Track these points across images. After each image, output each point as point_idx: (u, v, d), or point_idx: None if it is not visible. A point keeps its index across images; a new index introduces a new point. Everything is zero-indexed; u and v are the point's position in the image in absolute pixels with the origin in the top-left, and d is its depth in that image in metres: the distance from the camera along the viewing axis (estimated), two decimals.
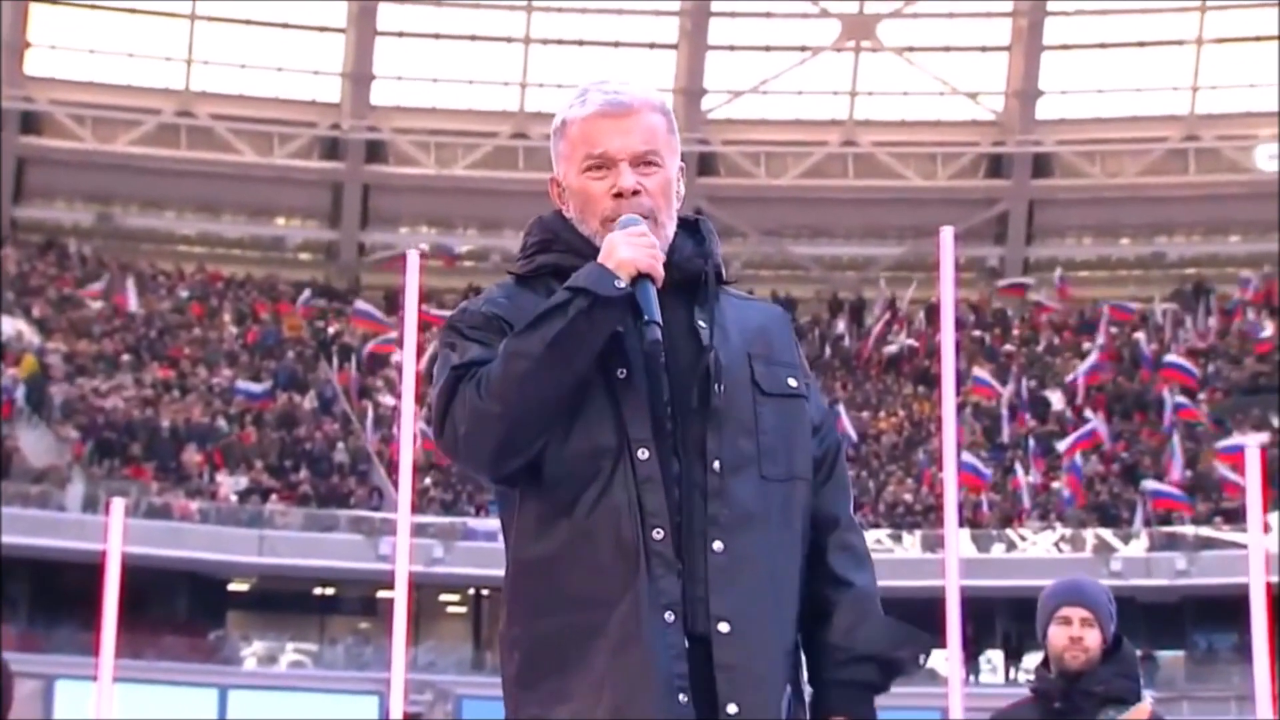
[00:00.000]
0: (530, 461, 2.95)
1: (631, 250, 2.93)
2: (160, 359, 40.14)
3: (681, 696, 2.87)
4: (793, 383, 3.11)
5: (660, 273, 2.95)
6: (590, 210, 3.07)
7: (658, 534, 2.92)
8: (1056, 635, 5.44)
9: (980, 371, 40.07)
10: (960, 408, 34.75)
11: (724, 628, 2.91)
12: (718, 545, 2.94)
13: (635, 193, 3.05)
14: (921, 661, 3.00)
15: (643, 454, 2.94)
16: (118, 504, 14.41)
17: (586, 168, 3.07)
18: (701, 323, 3.04)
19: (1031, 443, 37.66)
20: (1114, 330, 42.56)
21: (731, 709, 2.89)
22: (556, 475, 2.95)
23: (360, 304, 42.12)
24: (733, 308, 3.13)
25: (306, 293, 42.82)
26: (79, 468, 35.38)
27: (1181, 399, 38.43)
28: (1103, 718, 5.28)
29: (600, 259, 2.94)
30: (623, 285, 2.90)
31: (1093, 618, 5.37)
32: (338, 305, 44.58)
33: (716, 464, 2.97)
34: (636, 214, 3.03)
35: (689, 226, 3.15)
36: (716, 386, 2.99)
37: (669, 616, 2.89)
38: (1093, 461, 37.84)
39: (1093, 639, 5.37)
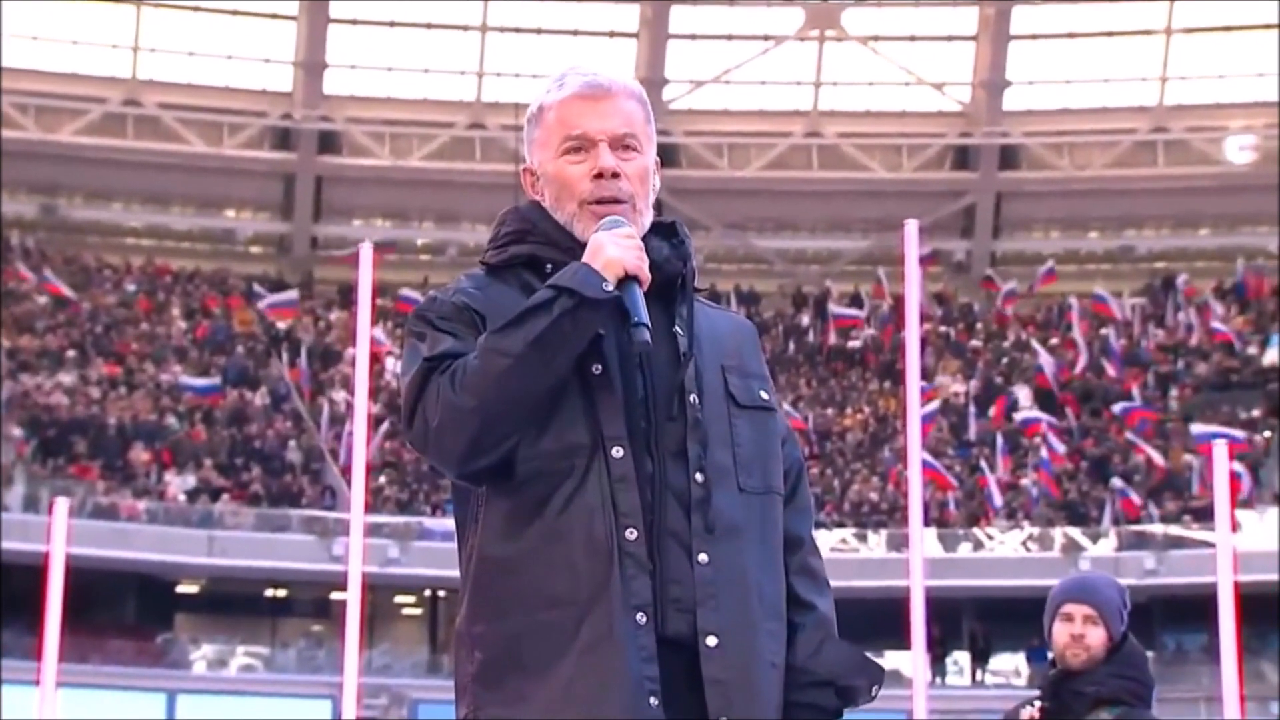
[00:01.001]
0: (500, 458, 2.93)
1: (619, 250, 2.93)
2: (106, 355, 39.75)
3: (652, 699, 2.87)
4: (764, 395, 3.14)
5: (647, 275, 2.95)
6: (567, 193, 3.08)
7: (631, 534, 2.91)
8: (1059, 632, 5.42)
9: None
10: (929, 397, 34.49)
11: (712, 641, 2.92)
12: (703, 557, 2.94)
13: (615, 175, 3.06)
14: (874, 691, 3.06)
15: (617, 452, 2.94)
16: (61, 504, 14.10)
17: (564, 150, 3.08)
18: (679, 329, 3.05)
19: (1000, 440, 37.32)
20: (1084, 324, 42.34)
21: None
22: (527, 472, 2.94)
23: (272, 296, 41.73)
24: (704, 316, 3.13)
25: (278, 297, 42.15)
26: (21, 466, 34.97)
27: (1131, 403, 38.12)
28: (1090, 718, 5.21)
29: (586, 258, 2.94)
30: (610, 288, 2.90)
31: (1097, 615, 5.31)
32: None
33: (699, 475, 2.98)
34: (615, 195, 3.05)
35: (665, 229, 3.14)
36: (693, 398, 3.00)
37: (640, 618, 2.89)
38: (1060, 455, 37.62)
39: (1095, 637, 5.30)
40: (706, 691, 2.90)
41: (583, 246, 3.01)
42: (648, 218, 3.10)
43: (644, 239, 3.06)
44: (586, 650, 2.87)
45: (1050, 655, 5.47)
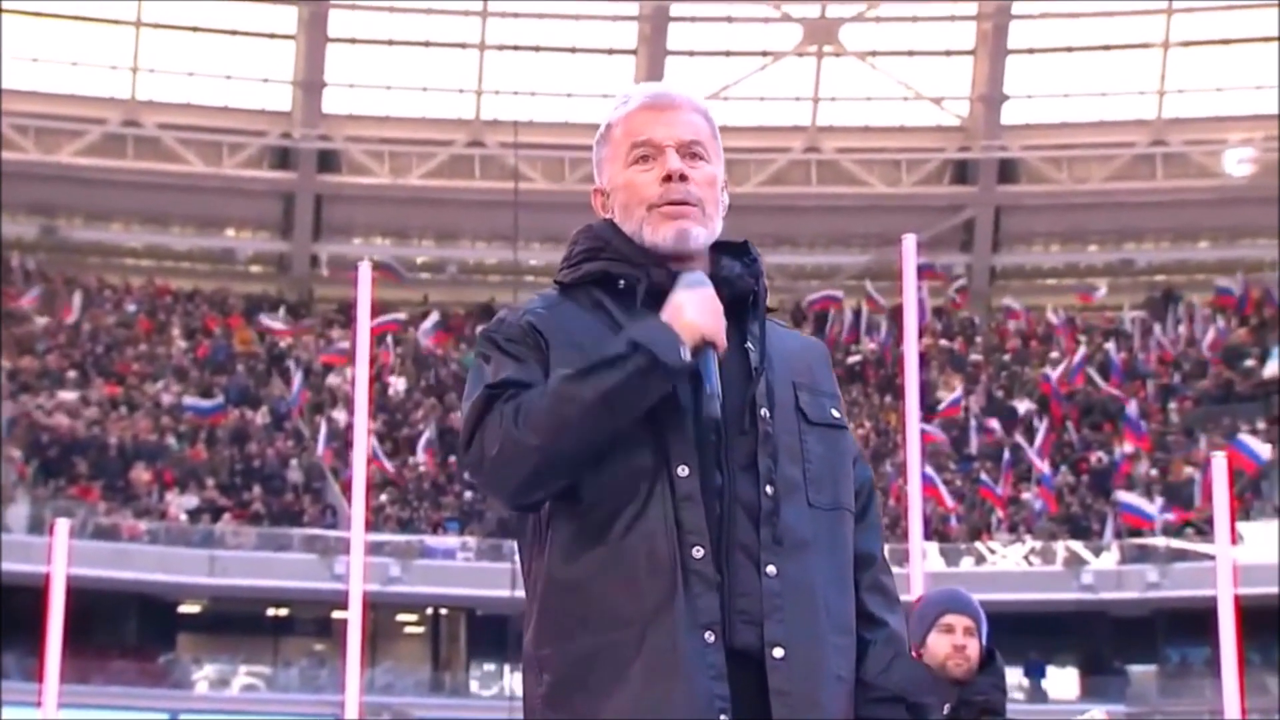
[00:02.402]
0: (550, 494, 2.94)
1: (698, 314, 2.92)
2: (107, 375, 39.68)
3: (723, 718, 2.86)
4: (835, 413, 3.14)
5: (724, 342, 2.94)
6: (636, 199, 3.07)
7: (697, 552, 2.91)
8: (939, 643, 5.51)
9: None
10: (928, 418, 34.34)
11: (778, 653, 2.92)
12: (771, 569, 2.94)
13: (683, 177, 3.05)
14: (945, 709, 3.22)
15: (682, 471, 2.93)
16: (62, 524, 14.05)
17: (632, 160, 3.09)
18: (750, 345, 3.04)
19: (1007, 454, 37.24)
20: (1082, 338, 42.30)
21: None
22: (593, 496, 2.93)
23: (264, 318, 41.71)
24: (775, 334, 3.14)
25: (286, 316, 42.17)
26: (23, 488, 34.94)
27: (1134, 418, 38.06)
28: None
29: (666, 316, 2.93)
30: (688, 356, 2.89)
31: (974, 627, 5.48)
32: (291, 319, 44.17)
33: (769, 488, 2.97)
34: (684, 198, 3.04)
35: (737, 248, 3.14)
36: (764, 412, 3.00)
37: (709, 636, 2.88)
38: (1063, 472, 37.56)
39: (974, 648, 5.46)
40: (772, 702, 2.90)
41: (655, 261, 3.03)
42: (717, 225, 3.10)
43: (716, 256, 3.10)
44: (652, 670, 2.86)
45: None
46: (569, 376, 2.89)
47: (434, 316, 42.51)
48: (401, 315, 41.60)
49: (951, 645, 5.46)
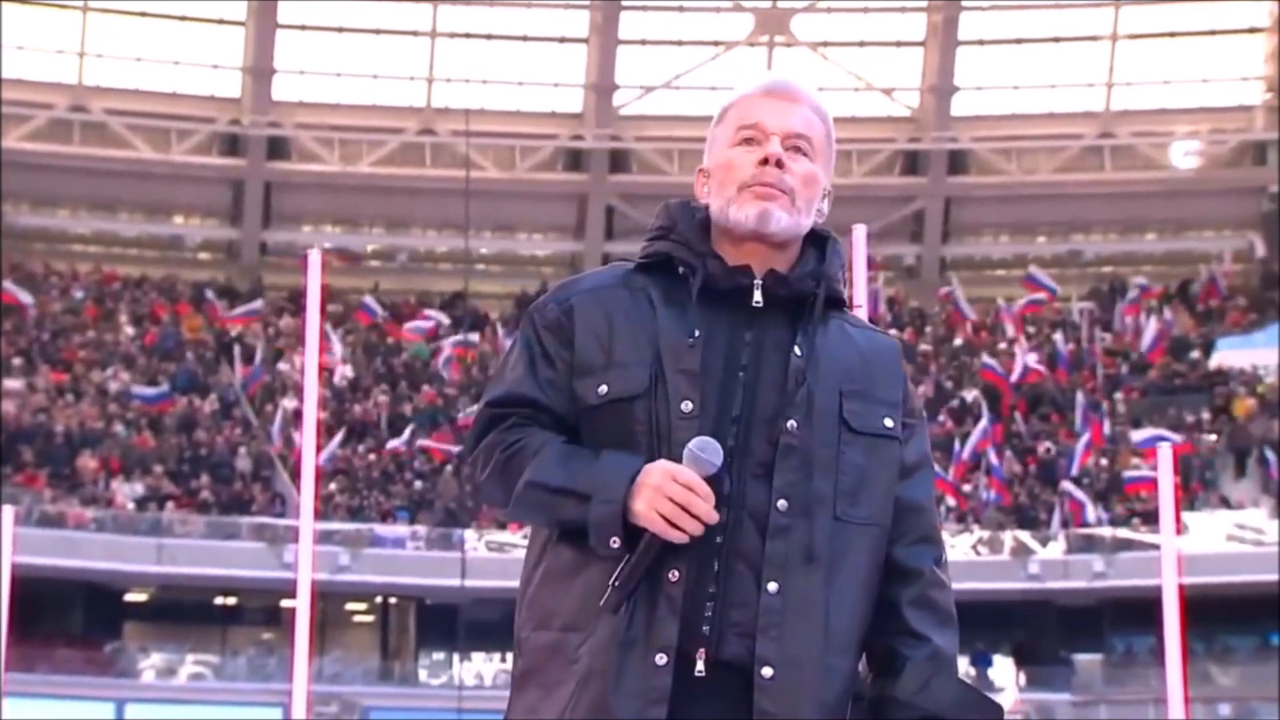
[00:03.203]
0: None
1: (650, 506, 2.84)
2: (53, 362, 39.39)
3: None
4: (889, 423, 3.03)
5: (677, 537, 2.84)
6: (731, 177, 3.03)
7: (672, 575, 2.86)
8: None
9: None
10: None
11: (767, 672, 2.87)
12: (772, 586, 2.90)
13: (780, 164, 3.00)
14: None
15: None
16: (7, 512, 13.95)
17: (738, 140, 3.05)
18: (798, 350, 2.97)
19: (956, 445, 37.39)
20: (1030, 329, 42.47)
21: None
22: None
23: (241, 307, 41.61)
24: (841, 335, 3.05)
25: (256, 304, 41.83)
26: None
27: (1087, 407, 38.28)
28: None
29: (640, 477, 2.86)
30: (616, 546, 2.85)
31: None
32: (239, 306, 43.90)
33: (784, 502, 2.91)
34: (776, 183, 2.99)
35: (818, 242, 3.08)
36: (791, 424, 2.92)
37: (660, 659, 2.84)
38: (1009, 460, 37.72)
39: None
40: None
41: (714, 255, 3.01)
42: (805, 222, 3.03)
43: (806, 249, 3.06)
44: (582, 680, 2.87)
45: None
46: (541, 472, 2.91)
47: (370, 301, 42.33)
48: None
49: None
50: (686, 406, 2.91)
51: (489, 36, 44.76)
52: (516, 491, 2.93)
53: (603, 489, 2.86)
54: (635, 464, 2.87)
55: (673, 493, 2.82)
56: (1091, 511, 35.49)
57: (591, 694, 2.86)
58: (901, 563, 3.01)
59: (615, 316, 2.98)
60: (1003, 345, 41.98)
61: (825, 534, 2.92)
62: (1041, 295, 41.86)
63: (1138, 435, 36.46)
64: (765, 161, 3.00)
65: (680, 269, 3.01)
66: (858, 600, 2.96)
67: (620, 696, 2.84)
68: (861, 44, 45.37)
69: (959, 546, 35.63)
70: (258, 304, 41.75)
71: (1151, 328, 41.23)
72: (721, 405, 2.92)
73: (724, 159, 3.05)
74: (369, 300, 42.33)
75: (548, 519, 2.95)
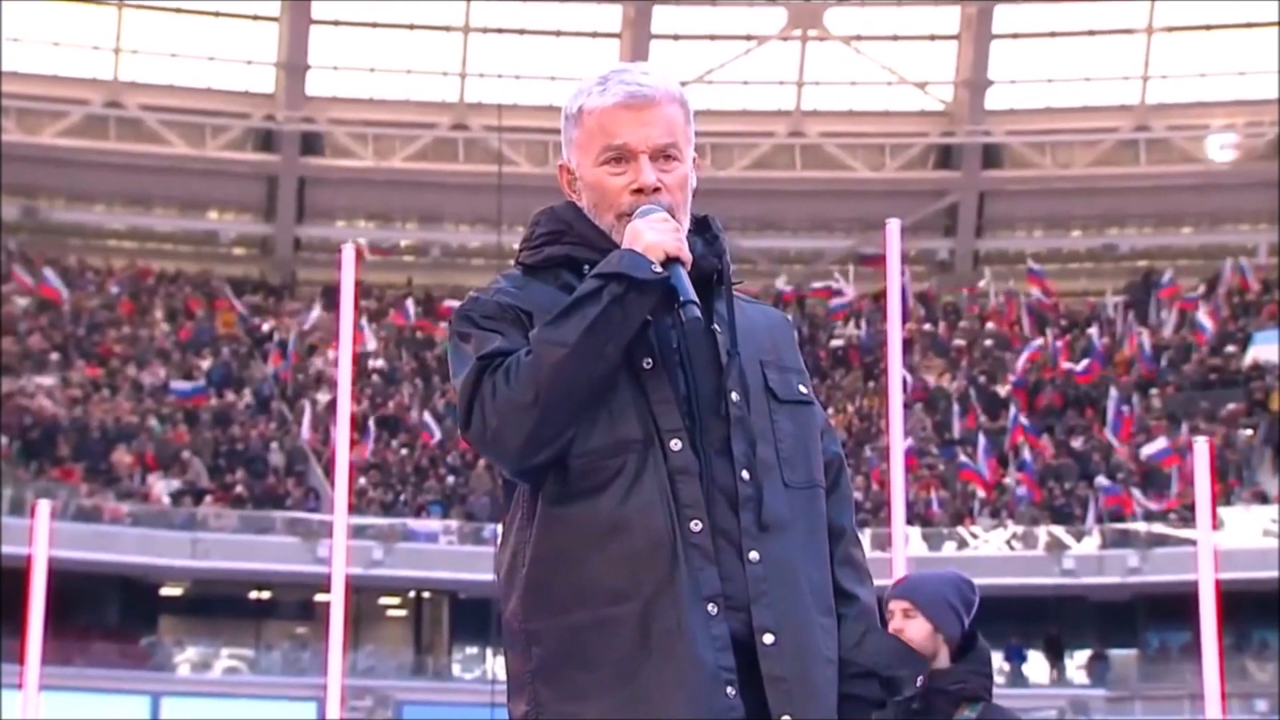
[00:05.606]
0: (557, 453, 2.93)
1: (658, 234, 2.92)
2: (89, 357, 39.53)
3: (729, 690, 2.86)
4: (803, 389, 3.13)
5: (688, 256, 2.93)
6: (606, 204, 3.06)
7: (695, 525, 2.91)
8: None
9: None
10: (909, 403, 34.37)
11: (768, 639, 2.92)
12: (754, 555, 2.94)
13: (655, 189, 3.03)
14: (919, 682, 3.20)
15: (675, 445, 2.93)
16: (44, 506, 13.99)
17: (605, 160, 3.06)
18: (717, 327, 3.03)
19: (982, 439, 37.27)
20: (1064, 323, 42.32)
21: None
22: (580, 468, 2.93)
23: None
24: (739, 310, 3.10)
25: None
26: (5, 469, 34.70)
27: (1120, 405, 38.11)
28: (959, 717, 5.25)
29: (626, 244, 2.94)
30: (658, 269, 2.89)
31: (913, 608, 5.29)
32: (273, 301, 44.00)
33: (746, 473, 2.97)
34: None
35: (698, 224, 3.12)
36: (735, 395, 2.99)
37: (711, 609, 2.89)
38: (1044, 457, 37.59)
39: (915, 629, 5.24)
40: (767, 689, 2.90)
41: (618, 246, 3.02)
42: (686, 219, 3.08)
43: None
44: (656, 643, 2.85)
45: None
46: (549, 323, 2.90)
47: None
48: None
49: (891, 629, 5.42)
50: (648, 364, 2.97)
51: (521, 31, 44.74)
52: (533, 359, 2.89)
53: (610, 262, 2.93)
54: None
55: (659, 222, 2.95)
56: (1138, 499, 35.22)
57: (670, 656, 2.85)
58: (829, 523, 3.11)
59: (550, 298, 3.00)
60: (1039, 341, 41.78)
61: (783, 500, 2.99)
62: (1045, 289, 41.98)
63: (1148, 449, 36.34)
64: (640, 190, 3.03)
65: (586, 267, 3.00)
66: (825, 561, 3.05)
67: (699, 648, 2.85)
68: (895, 38, 45.22)
69: (992, 541, 35.56)
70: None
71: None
72: (673, 389, 2.96)
73: (593, 179, 3.07)
74: (409, 305, 42.39)
75: (579, 346, 2.87)
